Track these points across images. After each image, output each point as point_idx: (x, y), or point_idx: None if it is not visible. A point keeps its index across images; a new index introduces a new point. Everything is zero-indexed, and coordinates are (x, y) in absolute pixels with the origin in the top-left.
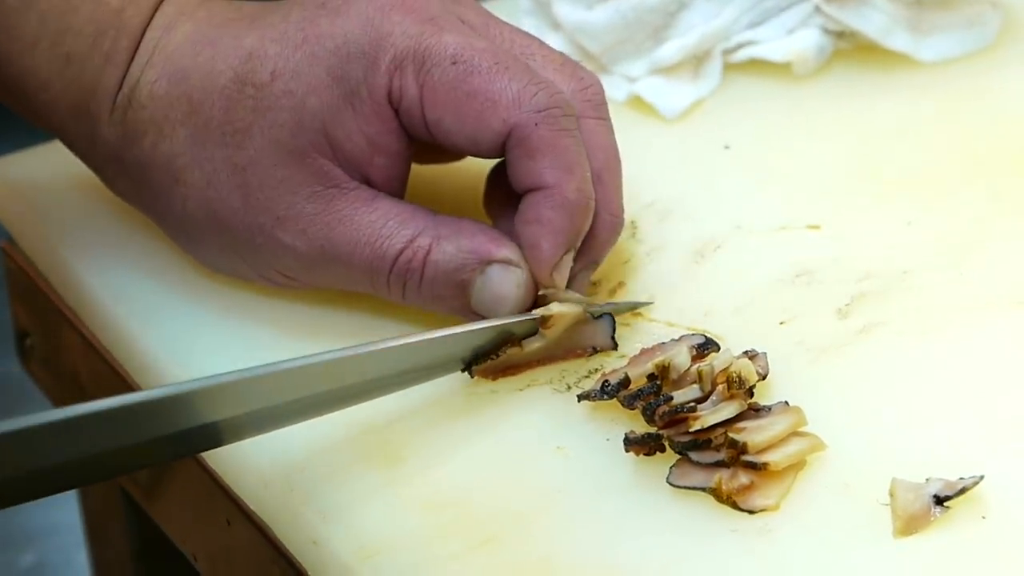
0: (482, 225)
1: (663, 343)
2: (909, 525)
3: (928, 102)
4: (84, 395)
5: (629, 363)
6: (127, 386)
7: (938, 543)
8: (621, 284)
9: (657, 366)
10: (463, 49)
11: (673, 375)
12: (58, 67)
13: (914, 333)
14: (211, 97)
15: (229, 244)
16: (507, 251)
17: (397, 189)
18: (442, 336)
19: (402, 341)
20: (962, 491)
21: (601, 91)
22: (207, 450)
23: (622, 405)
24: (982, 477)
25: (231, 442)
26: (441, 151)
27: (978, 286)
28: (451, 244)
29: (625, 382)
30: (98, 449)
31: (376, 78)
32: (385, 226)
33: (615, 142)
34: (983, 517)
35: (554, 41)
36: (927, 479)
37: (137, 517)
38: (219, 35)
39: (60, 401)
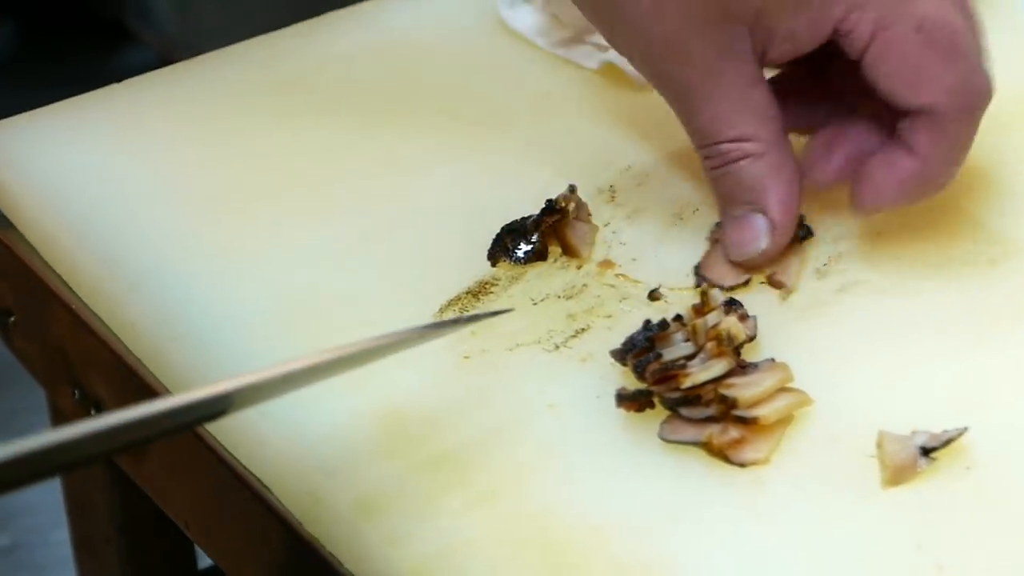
0: (798, 181)
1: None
2: (897, 476)
3: None
4: (73, 370)
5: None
6: (117, 359)
7: (925, 493)
8: (607, 248)
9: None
10: (929, 20)
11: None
12: None
13: (892, 291)
14: None
15: (610, 8)
16: (785, 220)
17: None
18: None
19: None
20: (947, 442)
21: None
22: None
23: (615, 360)
24: (966, 428)
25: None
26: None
27: (952, 244)
28: (762, 169)
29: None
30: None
31: (835, 2)
32: (741, 112)
33: None
34: (967, 467)
35: (527, 10)
36: (913, 431)
37: (122, 488)
38: None
39: (46, 376)
